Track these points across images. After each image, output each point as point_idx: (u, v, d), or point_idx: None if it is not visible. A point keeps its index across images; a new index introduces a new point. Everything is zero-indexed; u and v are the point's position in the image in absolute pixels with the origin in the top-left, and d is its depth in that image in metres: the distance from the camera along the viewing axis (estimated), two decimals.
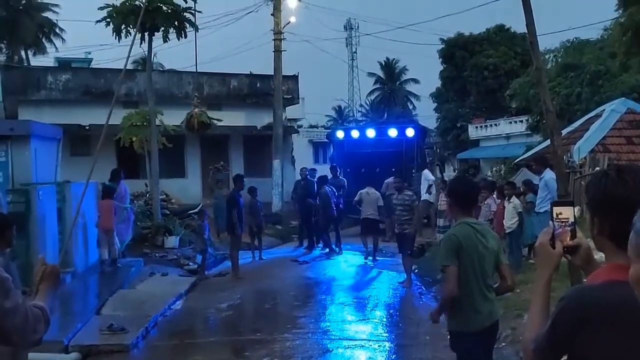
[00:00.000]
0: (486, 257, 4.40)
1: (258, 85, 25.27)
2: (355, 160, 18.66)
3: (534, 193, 11.37)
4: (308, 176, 16.39)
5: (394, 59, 59.83)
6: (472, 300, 4.37)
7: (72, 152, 19.81)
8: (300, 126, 32.06)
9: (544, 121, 16.44)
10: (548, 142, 11.78)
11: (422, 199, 15.45)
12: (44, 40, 39.09)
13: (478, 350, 4.43)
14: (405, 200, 11.66)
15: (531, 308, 2.11)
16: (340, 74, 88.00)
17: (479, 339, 4.41)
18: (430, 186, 16.35)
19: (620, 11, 14.06)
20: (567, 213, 2.10)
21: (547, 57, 25.63)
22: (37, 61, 36.98)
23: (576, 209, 2.17)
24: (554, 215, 2.11)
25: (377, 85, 61.27)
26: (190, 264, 13.55)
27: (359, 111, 64.65)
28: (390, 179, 16.15)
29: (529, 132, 27.78)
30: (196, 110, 15.39)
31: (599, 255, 2.09)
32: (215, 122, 16.40)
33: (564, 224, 2.09)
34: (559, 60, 26.76)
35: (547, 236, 2.10)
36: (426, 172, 17.30)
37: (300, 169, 17.69)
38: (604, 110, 16.72)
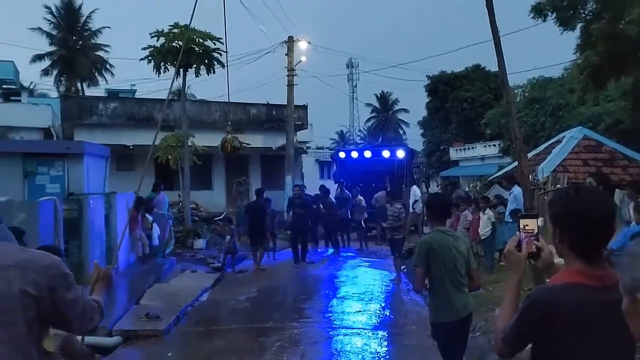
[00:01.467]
0: (458, 259, 4.44)
1: (274, 113, 25.35)
2: (355, 177, 18.67)
3: (504, 206, 11.35)
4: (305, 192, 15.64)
5: (387, 92, 60.16)
6: (448, 295, 4.38)
7: (117, 168, 19.89)
8: (309, 147, 32.02)
9: (513, 146, 16.40)
10: (517, 163, 11.74)
11: (410, 211, 15.44)
12: (96, 74, 39.40)
13: (454, 337, 4.41)
14: (395, 211, 11.66)
15: (503, 303, 2.11)
16: (342, 104, 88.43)
17: (455, 328, 4.39)
18: (416, 201, 16.30)
19: (578, 54, 14.04)
20: (532, 224, 2.09)
21: (516, 91, 25.61)
22: (90, 92, 37.29)
23: (540, 219, 2.16)
24: (521, 226, 2.10)
25: (374, 114, 61.49)
26: (215, 262, 13.52)
27: (358, 135, 64.70)
28: (379, 194, 16.27)
29: (501, 154, 27.69)
30: (229, 136, 15.36)
31: (558, 260, 2.09)
32: (245, 145, 16.31)
33: (529, 233, 2.08)
34: (526, 94, 26.68)
35: (513, 243, 2.10)
36: (415, 188, 17.23)
37: (294, 186, 16.24)
38: (564, 136, 16.62)
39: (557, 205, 1.98)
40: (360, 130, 65.27)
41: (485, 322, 6.99)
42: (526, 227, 2.09)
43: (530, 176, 11.36)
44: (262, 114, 25.35)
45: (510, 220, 10.13)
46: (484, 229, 10.92)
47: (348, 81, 65.15)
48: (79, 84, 38.59)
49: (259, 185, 20.65)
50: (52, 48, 37.87)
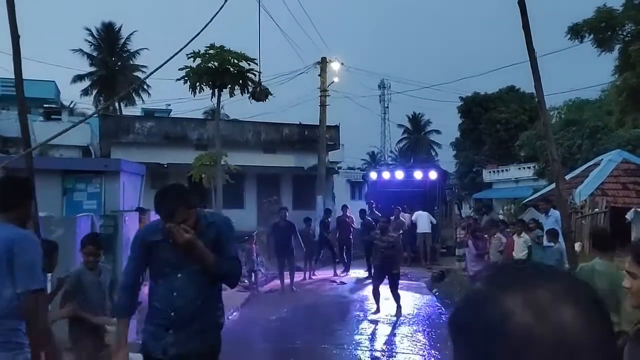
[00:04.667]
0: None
1: (306, 133, 25.52)
2: (386, 198, 18.56)
3: (541, 229, 11.10)
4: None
5: (419, 113, 59.91)
6: None
7: (152, 186, 20.19)
8: (340, 168, 32.07)
9: (549, 168, 16.12)
10: (552, 185, 11.53)
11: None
12: (133, 94, 40.40)
13: None
14: (390, 240, 10.54)
15: None
16: (374, 125, 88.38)
17: None
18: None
19: (616, 75, 13.80)
20: None
21: (552, 113, 25.25)
22: (127, 111, 38.24)
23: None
24: None
25: (405, 135, 61.26)
26: (245, 281, 13.56)
27: (389, 156, 64.50)
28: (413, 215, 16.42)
29: (536, 177, 27.24)
30: (259, 88, 15.94)
31: None
32: (270, 94, 16.39)
33: None
34: (562, 116, 26.32)
35: None
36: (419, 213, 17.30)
37: (280, 209, 14.65)
38: (602, 159, 16.29)
39: None
40: (391, 151, 65.14)
41: None
42: None
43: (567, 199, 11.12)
44: (294, 134, 25.55)
45: (550, 244, 9.91)
46: (519, 253, 10.68)
47: (380, 102, 65.26)
48: (116, 104, 39.61)
49: (290, 205, 20.77)
50: (92, 69, 39.12)
